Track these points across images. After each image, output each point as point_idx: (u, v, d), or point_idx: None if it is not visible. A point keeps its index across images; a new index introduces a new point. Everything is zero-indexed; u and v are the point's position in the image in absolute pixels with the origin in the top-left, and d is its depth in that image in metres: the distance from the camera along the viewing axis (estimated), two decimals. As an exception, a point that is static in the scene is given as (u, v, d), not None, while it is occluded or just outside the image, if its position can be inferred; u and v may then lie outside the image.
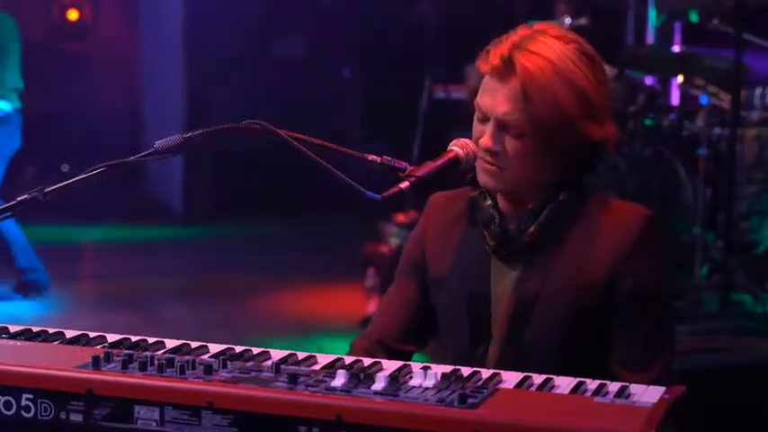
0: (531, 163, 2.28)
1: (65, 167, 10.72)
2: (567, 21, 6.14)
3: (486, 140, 2.29)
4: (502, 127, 2.27)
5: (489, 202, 2.37)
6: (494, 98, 2.28)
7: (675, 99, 6.41)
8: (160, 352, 2.10)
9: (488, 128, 2.29)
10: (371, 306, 6.27)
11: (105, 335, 2.21)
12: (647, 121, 5.95)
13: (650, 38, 6.89)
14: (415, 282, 2.49)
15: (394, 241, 6.67)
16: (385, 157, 2.29)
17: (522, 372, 2.01)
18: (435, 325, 2.49)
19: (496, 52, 2.27)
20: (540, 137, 2.25)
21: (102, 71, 11.88)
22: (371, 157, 2.29)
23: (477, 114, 2.33)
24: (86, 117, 11.14)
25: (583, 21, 6.18)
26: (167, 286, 7.87)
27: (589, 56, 2.29)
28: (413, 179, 2.21)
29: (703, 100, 5.92)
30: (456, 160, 2.28)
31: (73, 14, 11.94)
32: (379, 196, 2.17)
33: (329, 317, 6.77)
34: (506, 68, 2.26)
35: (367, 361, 2.08)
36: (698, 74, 5.89)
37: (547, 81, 2.23)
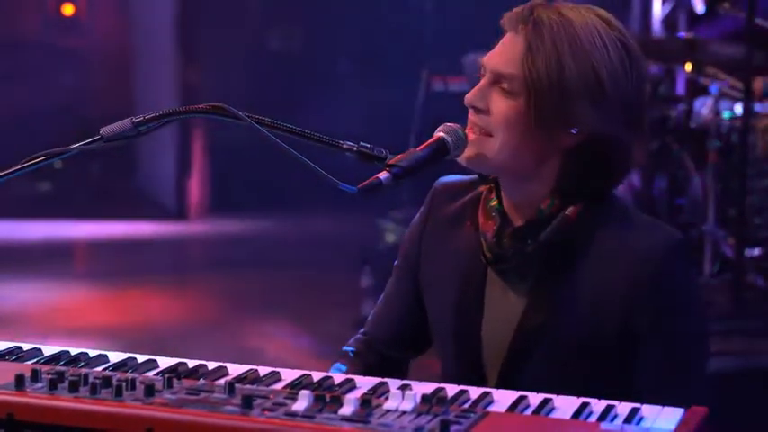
0: (517, 132, 1.96)
1: (57, 164, 10.53)
2: (571, 6, 5.86)
3: (470, 94, 2.00)
4: (495, 80, 1.99)
5: (495, 201, 2.04)
6: (497, 49, 2.01)
7: (682, 88, 6.14)
8: (100, 368, 1.83)
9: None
10: (366, 306, 6.03)
11: (42, 347, 1.94)
12: (653, 112, 5.69)
13: (656, 26, 6.65)
14: (410, 281, 2.20)
15: (390, 238, 6.44)
16: (362, 144, 2.00)
17: None
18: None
19: (522, 7, 2.00)
20: (531, 99, 1.94)
21: (98, 66, 11.68)
22: (347, 144, 2.01)
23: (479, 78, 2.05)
24: (81, 113, 10.93)
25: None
26: (157, 285, 7.63)
27: (627, 49, 1.97)
28: (394, 170, 1.92)
29: (713, 89, 5.65)
30: (443, 148, 1.98)
31: (68, 9, 11.74)
32: (354, 188, 1.89)
33: (324, 317, 6.53)
34: (523, 21, 1.97)
35: (338, 378, 1.80)
36: (707, 61, 5.62)
37: (556, 39, 1.93)
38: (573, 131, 1.95)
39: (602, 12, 2.02)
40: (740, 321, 4.91)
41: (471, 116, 2.01)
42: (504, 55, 1.98)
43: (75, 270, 8.48)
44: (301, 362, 5.33)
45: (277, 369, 1.83)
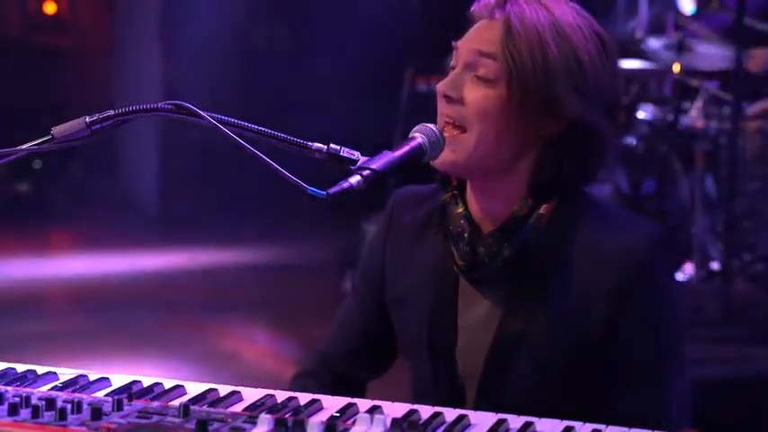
0: (495, 123, 1.84)
1: (37, 164, 10.41)
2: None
3: (442, 83, 1.88)
4: (470, 64, 1.87)
5: (461, 208, 1.93)
6: (472, 34, 1.89)
7: (670, 90, 6.03)
8: (46, 387, 1.69)
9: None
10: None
11: (-13, 363, 1.81)
12: (641, 114, 5.59)
13: (642, 26, 6.55)
14: (371, 299, 2.08)
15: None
16: (332, 145, 1.87)
17: None
18: (396, 349, 2.09)
19: None
20: (513, 84, 1.83)
21: (81, 65, 11.59)
22: (316, 145, 1.88)
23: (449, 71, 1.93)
24: (63, 112, 10.82)
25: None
26: (138, 286, 7.51)
27: (602, 39, 1.89)
28: (366, 173, 1.78)
29: (701, 90, 5.55)
30: (419, 150, 1.85)
31: (50, 8, 11.63)
32: (324, 193, 1.76)
33: (305, 320, 6.41)
34: (499, 6, 1.87)
35: (304, 398, 1.67)
36: (695, 62, 5.51)
37: (536, 23, 1.83)
38: (553, 119, 1.85)
39: (573, 3, 1.93)
40: (728, 328, 4.81)
41: (442, 108, 1.89)
42: (481, 38, 1.87)
43: (53, 269, 8.36)
44: (281, 366, 5.23)
45: (238, 388, 1.70)
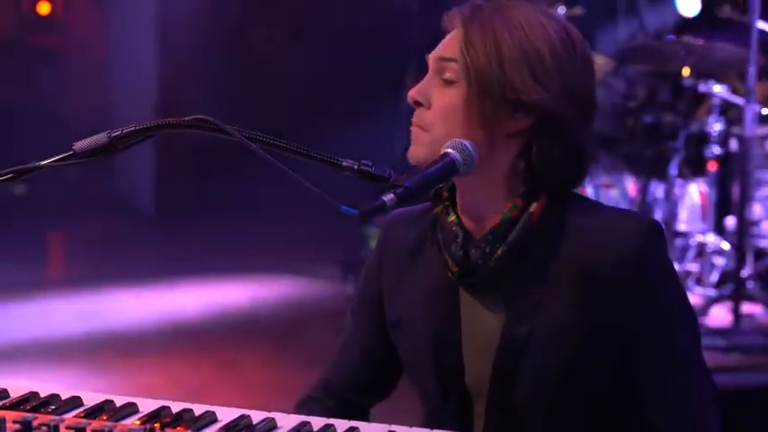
0: (457, 122, 1.85)
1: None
2: (562, 10, 5.71)
3: (411, 90, 1.91)
4: (436, 70, 1.90)
5: (453, 217, 1.91)
6: (438, 46, 1.92)
7: (679, 94, 6.00)
8: (72, 414, 1.63)
9: None
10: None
11: (7, 388, 1.75)
12: (648, 118, 5.55)
13: (646, 28, 6.52)
14: (371, 323, 2.06)
15: (374, 244, 6.31)
16: (364, 162, 1.83)
17: None
18: (400, 370, 2.08)
19: (461, 6, 1.93)
20: (471, 79, 1.84)
21: (74, 66, 11.56)
22: (347, 162, 1.83)
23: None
24: (57, 113, 10.80)
25: (578, 10, 5.79)
26: (131, 289, 7.46)
27: (569, 33, 1.89)
28: (399, 190, 1.74)
29: (711, 95, 5.51)
30: (453, 165, 1.81)
31: (44, 8, 11.60)
32: (356, 211, 1.71)
33: (307, 325, 6.39)
34: (461, 14, 1.90)
35: (341, 426, 1.62)
36: (704, 66, 5.47)
37: (493, 20, 1.86)
38: (522, 115, 1.84)
39: (540, 5, 1.95)
40: (740, 336, 4.77)
41: (413, 115, 1.91)
42: (443, 45, 1.90)
43: (49, 272, 8.33)
44: (283, 373, 5.19)
45: (272, 415, 1.65)
